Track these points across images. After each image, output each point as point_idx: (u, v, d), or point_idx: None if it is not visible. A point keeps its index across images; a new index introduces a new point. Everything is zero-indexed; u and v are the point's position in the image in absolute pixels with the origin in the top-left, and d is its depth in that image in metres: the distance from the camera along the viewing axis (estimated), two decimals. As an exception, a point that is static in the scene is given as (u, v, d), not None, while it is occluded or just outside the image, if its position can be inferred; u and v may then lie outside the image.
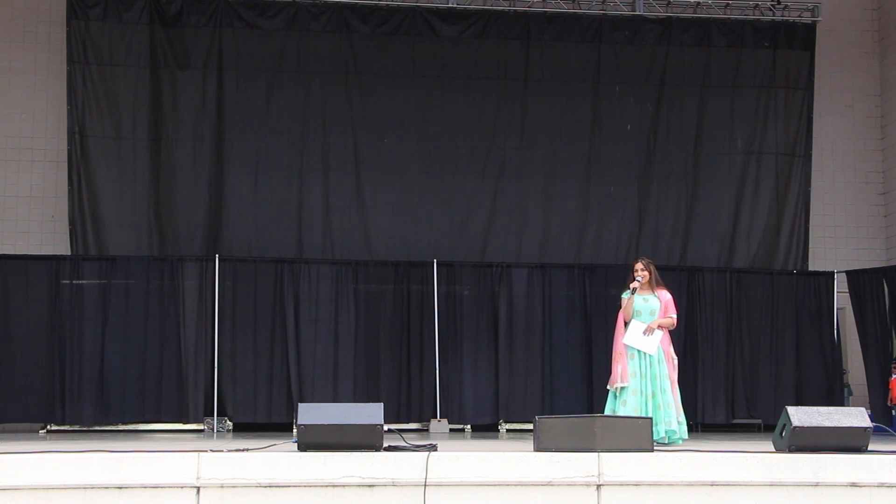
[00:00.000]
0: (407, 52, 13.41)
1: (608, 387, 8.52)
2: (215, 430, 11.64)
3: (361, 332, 12.20)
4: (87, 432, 11.51)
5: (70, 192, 12.59)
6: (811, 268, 13.49)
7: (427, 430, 11.84)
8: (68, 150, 12.66)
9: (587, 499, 6.26)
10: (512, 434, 11.84)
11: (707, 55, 13.81)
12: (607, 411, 8.41)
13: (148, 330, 11.87)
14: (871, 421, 7.00)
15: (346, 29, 13.28)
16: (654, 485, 6.33)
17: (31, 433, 11.45)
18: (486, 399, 12.27)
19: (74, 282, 11.84)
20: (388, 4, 13.31)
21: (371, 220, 13.12)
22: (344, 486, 6.15)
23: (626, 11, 13.59)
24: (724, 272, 12.95)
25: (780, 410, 7.35)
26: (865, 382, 12.84)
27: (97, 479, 6.03)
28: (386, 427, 6.54)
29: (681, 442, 8.34)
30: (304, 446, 6.44)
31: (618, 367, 8.37)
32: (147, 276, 11.96)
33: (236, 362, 11.91)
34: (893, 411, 12.34)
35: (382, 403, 6.83)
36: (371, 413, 6.55)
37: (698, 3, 13.61)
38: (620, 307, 8.53)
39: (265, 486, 6.11)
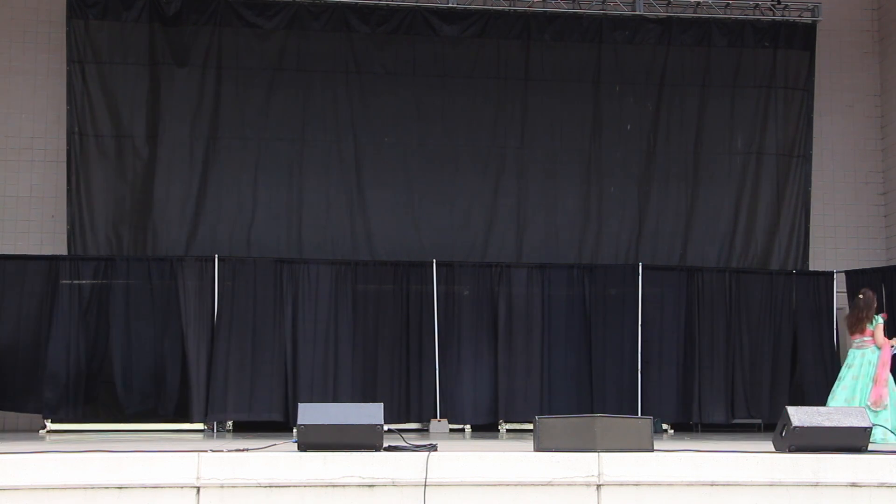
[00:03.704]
0: (407, 52, 13.41)
1: (874, 406, 9.54)
2: (215, 430, 11.63)
3: (361, 332, 12.18)
4: (87, 432, 11.50)
5: (69, 191, 12.57)
6: (811, 268, 13.49)
7: (427, 430, 11.83)
8: (67, 149, 12.64)
9: (587, 499, 6.26)
10: (512, 434, 11.83)
11: (707, 55, 13.80)
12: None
13: (147, 330, 11.85)
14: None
15: (346, 28, 13.28)
16: (654, 485, 6.33)
17: (31, 433, 11.45)
18: (485, 399, 12.26)
19: (74, 282, 11.82)
20: (388, 4, 13.30)
21: (371, 219, 13.11)
22: (344, 486, 6.15)
23: (626, 11, 13.59)
24: (724, 272, 12.93)
25: (779, 410, 7.35)
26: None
27: (97, 479, 6.03)
28: (386, 427, 6.54)
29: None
30: (304, 446, 6.44)
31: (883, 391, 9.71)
32: (147, 276, 11.94)
33: (236, 362, 11.89)
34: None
35: (382, 403, 6.83)
36: (371, 413, 6.55)
37: (698, 3, 13.61)
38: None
39: (265, 486, 6.11)
